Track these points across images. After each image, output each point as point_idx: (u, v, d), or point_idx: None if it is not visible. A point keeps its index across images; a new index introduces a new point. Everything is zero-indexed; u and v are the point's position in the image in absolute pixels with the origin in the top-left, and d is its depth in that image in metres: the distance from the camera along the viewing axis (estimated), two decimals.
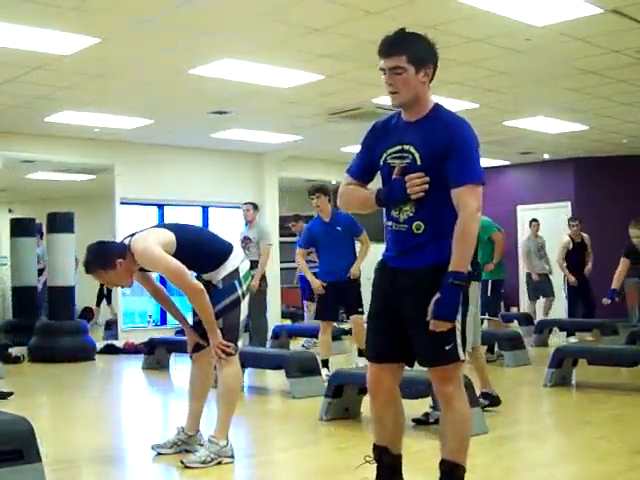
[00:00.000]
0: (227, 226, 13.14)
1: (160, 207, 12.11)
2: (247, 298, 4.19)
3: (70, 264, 10.15)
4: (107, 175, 11.17)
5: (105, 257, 4.00)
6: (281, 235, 12.91)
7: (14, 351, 9.13)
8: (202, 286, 3.95)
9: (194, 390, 4.39)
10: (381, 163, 2.93)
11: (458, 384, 2.88)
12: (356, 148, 2.95)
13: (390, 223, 2.94)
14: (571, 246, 10.66)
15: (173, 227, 4.15)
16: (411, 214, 2.85)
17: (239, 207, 12.81)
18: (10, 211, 13.94)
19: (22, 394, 6.65)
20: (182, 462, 4.06)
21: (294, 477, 4.19)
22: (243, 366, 6.93)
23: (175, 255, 3.94)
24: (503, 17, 6.03)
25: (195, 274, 4.18)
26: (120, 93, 8.24)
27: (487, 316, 8.00)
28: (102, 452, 4.45)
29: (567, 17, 6.10)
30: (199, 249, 4.13)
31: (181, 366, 8.73)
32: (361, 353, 6.93)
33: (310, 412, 5.35)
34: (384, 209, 2.97)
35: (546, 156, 13.47)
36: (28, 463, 3.29)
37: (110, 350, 10.10)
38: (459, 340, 2.82)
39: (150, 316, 12.39)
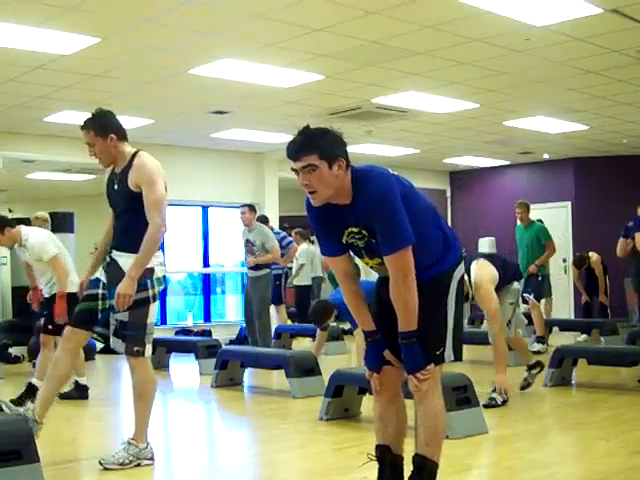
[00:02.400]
0: (227, 226, 13.16)
1: None
2: (156, 305, 4.07)
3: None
4: None
5: (105, 124, 4.14)
6: None
7: (14, 351, 9.13)
8: (165, 224, 4.09)
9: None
10: (344, 242, 2.95)
11: (436, 382, 2.93)
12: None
13: (374, 270, 3.07)
14: (577, 273, 11.26)
15: None
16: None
17: (239, 207, 12.87)
18: (10, 211, 13.91)
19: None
20: (100, 462, 4.03)
21: (294, 477, 4.18)
22: (242, 366, 6.96)
23: (141, 212, 4.03)
24: (503, 17, 6.02)
25: (112, 246, 4.12)
26: (120, 93, 8.24)
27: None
28: (102, 452, 4.44)
29: (567, 17, 6.10)
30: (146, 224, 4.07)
31: (181, 366, 8.73)
32: None
33: (310, 412, 5.35)
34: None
35: (546, 156, 13.46)
36: (26, 463, 3.29)
37: (110, 350, 10.07)
38: (449, 342, 2.94)
39: None
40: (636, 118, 10.28)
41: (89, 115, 4.22)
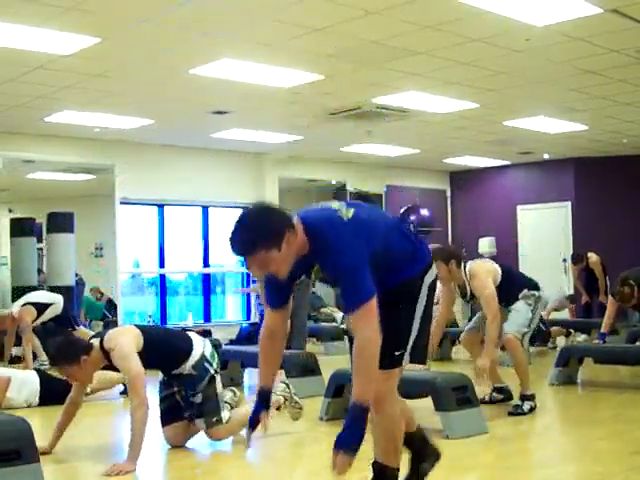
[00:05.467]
0: (227, 226, 13.17)
1: (160, 207, 12.12)
2: (218, 375, 4.56)
3: (70, 264, 10.17)
4: (107, 175, 11.16)
5: (70, 352, 4.17)
6: None
7: (14, 351, 9.12)
8: (148, 403, 4.06)
9: None
10: (313, 277, 2.95)
11: (393, 388, 2.90)
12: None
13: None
14: (576, 273, 11.17)
15: (141, 327, 4.42)
16: None
17: (239, 207, 12.86)
18: (10, 211, 13.92)
19: None
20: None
21: (294, 477, 4.18)
22: (242, 366, 6.96)
23: (142, 354, 4.18)
24: (503, 17, 6.02)
25: (162, 374, 4.56)
26: (120, 93, 8.24)
27: None
28: (101, 452, 4.45)
29: (567, 17, 6.09)
30: (165, 349, 4.44)
31: None
32: None
33: (310, 412, 5.35)
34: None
35: (546, 156, 13.46)
36: (26, 463, 3.29)
37: None
38: (409, 347, 2.90)
39: (150, 316, 12.39)
40: (636, 118, 10.27)
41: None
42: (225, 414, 4.50)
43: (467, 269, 5.41)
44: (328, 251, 2.70)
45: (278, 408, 4.78)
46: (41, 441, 3.49)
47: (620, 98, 9.05)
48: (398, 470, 2.98)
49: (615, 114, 10.02)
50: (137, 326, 4.41)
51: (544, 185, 13.93)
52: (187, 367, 4.41)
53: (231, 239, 2.70)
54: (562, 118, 10.20)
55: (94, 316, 12.83)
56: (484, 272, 5.36)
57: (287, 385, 4.93)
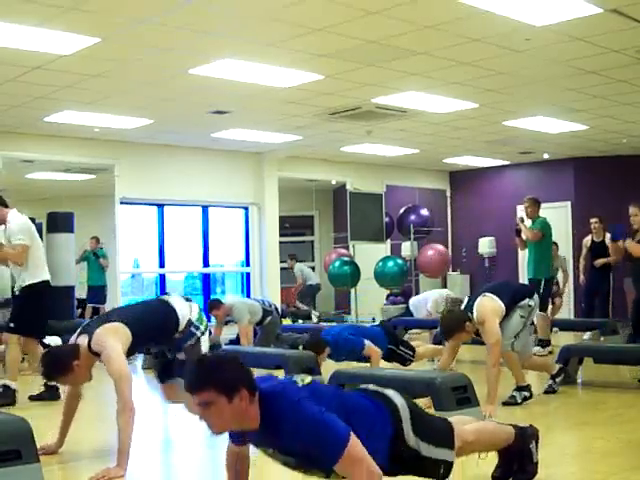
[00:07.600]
0: (227, 226, 13.18)
1: (160, 207, 12.12)
2: (207, 334, 4.57)
3: (70, 264, 10.16)
4: (107, 175, 11.17)
5: (60, 363, 4.07)
6: (281, 235, 12.92)
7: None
8: (133, 406, 3.98)
9: None
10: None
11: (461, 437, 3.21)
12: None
13: None
14: (589, 245, 10.69)
15: (127, 317, 4.30)
16: None
17: (239, 207, 12.88)
18: None
19: (21, 394, 6.64)
20: None
21: (294, 477, 4.17)
22: None
23: (132, 344, 4.18)
24: (503, 17, 6.02)
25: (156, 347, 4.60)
26: (120, 93, 8.24)
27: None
28: (102, 452, 4.44)
29: (567, 17, 6.10)
30: (154, 332, 4.42)
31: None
32: None
33: None
34: None
35: (546, 156, 13.47)
36: (26, 463, 3.29)
37: None
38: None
39: None
40: (636, 118, 10.28)
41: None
42: None
43: (475, 314, 5.39)
44: (287, 432, 2.55)
45: None
46: (41, 441, 3.49)
47: (620, 98, 9.05)
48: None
49: (615, 114, 10.02)
50: (121, 313, 4.41)
51: (544, 185, 13.92)
52: (176, 336, 4.45)
53: (188, 372, 2.71)
54: (562, 118, 10.20)
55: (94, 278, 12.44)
56: (491, 314, 5.38)
57: None
